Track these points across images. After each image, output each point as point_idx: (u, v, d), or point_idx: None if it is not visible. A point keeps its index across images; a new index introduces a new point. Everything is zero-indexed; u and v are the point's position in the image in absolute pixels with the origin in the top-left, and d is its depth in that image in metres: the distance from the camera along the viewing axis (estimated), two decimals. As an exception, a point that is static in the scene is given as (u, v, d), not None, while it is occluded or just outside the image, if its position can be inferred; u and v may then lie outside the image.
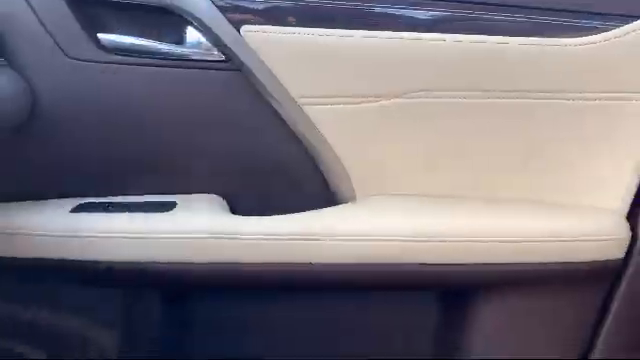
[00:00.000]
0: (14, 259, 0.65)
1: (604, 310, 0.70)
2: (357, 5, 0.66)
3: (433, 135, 0.69)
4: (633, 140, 0.67)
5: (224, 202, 0.71)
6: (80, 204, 0.67)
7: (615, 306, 0.70)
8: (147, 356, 0.74)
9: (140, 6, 0.66)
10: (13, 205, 0.67)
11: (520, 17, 0.66)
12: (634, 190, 0.69)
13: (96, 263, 0.64)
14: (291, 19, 0.66)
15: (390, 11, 0.67)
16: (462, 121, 0.68)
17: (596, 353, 0.71)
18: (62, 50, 0.65)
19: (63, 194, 0.68)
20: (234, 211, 0.70)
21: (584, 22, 0.66)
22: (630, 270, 0.68)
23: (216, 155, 0.70)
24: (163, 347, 0.76)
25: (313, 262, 0.65)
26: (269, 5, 0.67)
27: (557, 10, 0.66)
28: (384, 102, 0.68)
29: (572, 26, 0.66)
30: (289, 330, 0.75)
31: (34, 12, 0.64)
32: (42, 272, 0.66)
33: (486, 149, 0.69)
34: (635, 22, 0.64)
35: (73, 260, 0.64)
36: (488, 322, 0.71)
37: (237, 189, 0.72)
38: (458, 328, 0.73)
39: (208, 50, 0.67)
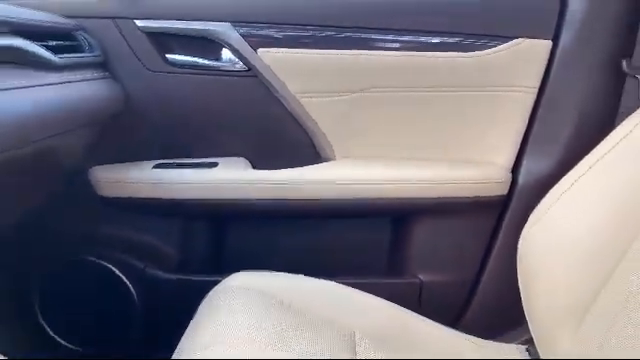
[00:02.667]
0: (118, 198, 1.04)
1: (495, 234, 1.07)
2: (333, 33, 1.01)
3: (384, 116, 1.05)
4: (511, 117, 1.03)
5: (248, 162, 1.08)
6: (158, 163, 1.05)
7: (502, 231, 1.06)
8: (196, 262, 1.12)
9: (191, 36, 1.01)
10: (117, 165, 1.05)
11: (437, 38, 1.01)
12: (516, 150, 1.05)
13: (171, 200, 1.02)
14: (290, 43, 1.01)
15: (355, 36, 1.02)
16: (401, 106, 1.04)
17: (487, 270, 1.07)
18: (143, 65, 1.02)
19: (146, 157, 1.06)
20: (254, 167, 1.07)
21: (479, 42, 1.00)
22: (512, 204, 1.05)
23: (242, 132, 1.07)
24: (205, 260, 1.14)
25: (304, 199, 1.03)
26: (274, 35, 1.02)
27: (463, 33, 1.01)
28: (352, 95, 1.04)
29: (471, 44, 1.01)
30: (289, 244, 1.12)
31: (127, 42, 1.00)
32: (137, 207, 1.05)
33: (416, 125, 1.05)
34: (509, 42, 0.99)
35: (157, 198, 1.02)
36: (418, 237, 1.09)
37: (256, 154, 1.09)
38: (402, 240, 1.11)
39: (235, 64, 1.02)
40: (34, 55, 0.80)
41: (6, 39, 0.76)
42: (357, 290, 0.85)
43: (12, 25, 0.79)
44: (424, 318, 0.85)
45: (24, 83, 0.75)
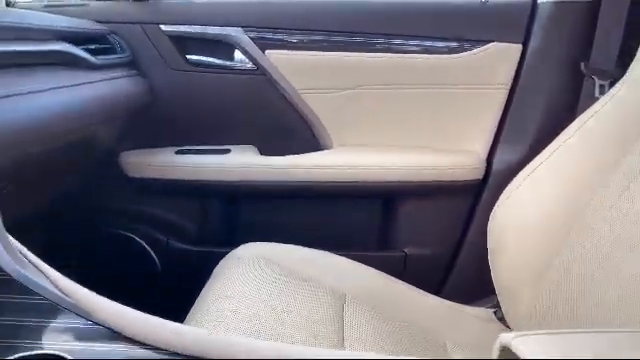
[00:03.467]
0: (144, 179, 1.20)
1: (471, 214, 1.22)
2: (331, 38, 1.16)
3: (375, 110, 1.20)
4: (486, 111, 1.17)
5: (256, 149, 1.24)
6: (179, 149, 1.21)
7: (478, 210, 1.21)
8: (211, 235, 1.28)
9: (208, 39, 1.17)
10: (143, 150, 1.21)
11: (421, 42, 1.15)
12: (490, 140, 1.19)
13: (190, 181, 1.18)
14: (293, 46, 1.16)
15: (350, 40, 1.17)
16: (389, 101, 1.19)
17: (464, 245, 1.22)
18: (167, 64, 1.17)
19: (169, 144, 1.22)
20: (262, 153, 1.23)
21: (458, 45, 1.15)
22: (486, 187, 1.19)
23: (251, 123, 1.22)
24: (219, 233, 1.30)
25: (305, 181, 1.18)
26: (280, 39, 1.17)
27: (444, 38, 1.15)
28: (348, 91, 1.19)
29: (451, 48, 1.15)
30: (291, 220, 1.26)
31: (153, 44, 1.16)
32: (160, 187, 1.21)
33: (403, 118, 1.20)
34: (485, 45, 1.13)
35: (178, 180, 1.18)
36: (404, 216, 1.24)
37: (263, 141, 1.24)
38: (389, 218, 1.26)
39: (246, 64, 1.18)
40: (77, 57, 0.96)
41: (53, 44, 0.92)
42: (349, 260, 1.00)
43: (58, 32, 0.95)
44: (408, 285, 1.00)
45: (72, 82, 0.91)
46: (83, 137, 1.00)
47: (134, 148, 1.22)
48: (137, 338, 0.49)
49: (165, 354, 0.48)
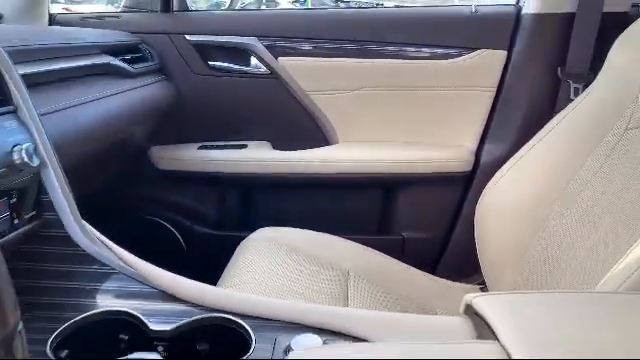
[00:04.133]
0: (171, 171, 1.36)
1: (461, 201, 1.36)
2: (337, 45, 1.31)
3: (376, 109, 1.34)
4: (475, 110, 1.31)
5: (270, 144, 1.39)
6: (201, 145, 1.36)
7: (467, 199, 1.35)
8: (230, 221, 1.43)
9: (227, 47, 1.32)
10: (170, 145, 1.37)
11: (417, 49, 1.29)
12: (479, 136, 1.33)
13: (211, 173, 1.34)
14: (303, 52, 1.31)
15: (354, 47, 1.31)
16: (389, 102, 1.33)
17: (456, 229, 1.36)
18: (191, 69, 1.32)
19: (193, 140, 1.38)
20: (274, 148, 1.38)
21: (451, 52, 1.29)
22: (475, 178, 1.33)
23: (265, 121, 1.37)
24: (237, 219, 1.46)
25: (314, 173, 1.33)
26: (291, 47, 1.31)
27: (438, 45, 1.29)
28: (351, 93, 1.33)
29: (445, 54, 1.29)
30: (301, 208, 1.41)
31: (178, 52, 1.31)
32: (185, 178, 1.37)
33: (401, 116, 1.34)
34: (474, 52, 1.27)
35: (200, 172, 1.34)
36: (402, 204, 1.38)
37: (276, 138, 1.39)
38: (389, 205, 1.41)
39: (260, 69, 1.32)
40: (117, 68, 1.12)
41: (101, 58, 1.07)
42: (353, 242, 1.15)
43: (103, 47, 1.10)
44: (406, 264, 1.15)
45: (113, 90, 1.07)
46: (121, 137, 1.16)
47: (162, 144, 1.37)
48: (185, 298, 0.65)
49: (205, 310, 0.64)
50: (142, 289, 0.67)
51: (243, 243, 1.11)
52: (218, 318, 0.62)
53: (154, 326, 0.60)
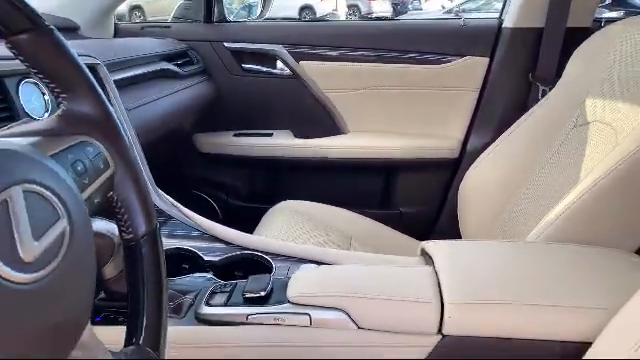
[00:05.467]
0: (211, 154, 1.66)
1: (450, 182, 1.63)
2: (347, 52, 1.58)
3: (380, 105, 1.62)
4: (462, 108, 1.58)
5: (292, 133, 1.68)
6: (236, 132, 1.67)
7: (455, 180, 1.61)
8: (258, 195, 1.73)
9: (258, 53, 1.61)
10: (211, 133, 1.67)
11: (415, 56, 1.56)
12: (465, 129, 1.60)
13: (244, 156, 1.64)
14: (320, 58, 1.59)
15: (361, 54, 1.58)
16: (391, 99, 1.60)
17: (445, 206, 1.63)
18: (228, 71, 1.62)
19: (229, 128, 1.68)
20: (295, 136, 1.67)
21: (442, 58, 1.55)
22: (462, 163, 1.60)
23: (288, 113, 1.66)
24: (264, 194, 1.75)
25: (327, 157, 1.62)
26: (310, 53, 1.59)
27: (432, 52, 1.55)
28: (359, 91, 1.61)
29: (437, 59, 1.55)
30: (316, 186, 1.70)
31: (218, 56, 1.60)
32: (222, 160, 1.67)
33: (401, 111, 1.61)
34: (462, 58, 1.53)
35: (235, 155, 1.64)
36: (400, 183, 1.66)
37: (297, 127, 1.68)
38: (389, 185, 1.69)
39: (284, 71, 1.61)
40: (173, 72, 1.42)
41: (160, 64, 1.38)
42: (358, 214, 1.43)
43: (161, 55, 1.41)
44: (402, 234, 1.42)
45: (170, 90, 1.37)
46: (173, 127, 1.47)
47: (204, 131, 1.68)
48: (228, 241, 0.94)
49: (240, 249, 0.93)
50: (198, 234, 0.97)
51: (268, 213, 1.40)
52: (250, 254, 0.92)
53: (207, 257, 0.90)
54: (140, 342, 0.49)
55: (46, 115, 0.82)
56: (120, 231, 0.52)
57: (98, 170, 0.47)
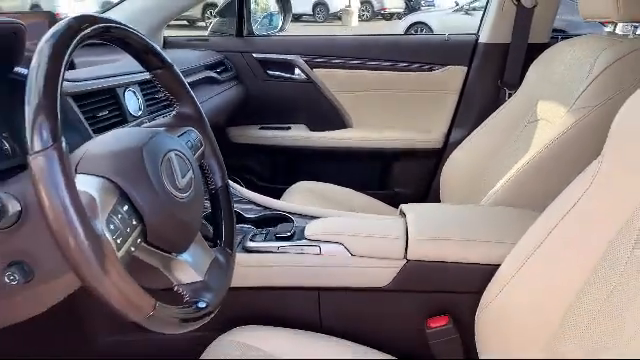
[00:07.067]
0: (240, 144, 2.04)
1: (435, 169, 1.98)
2: (351, 61, 1.95)
3: (378, 104, 1.98)
4: (445, 107, 1.93)
5: (306, 127, 2.05)
6: (261, 126, 2.04)
7: (439, 167, 1.96)
8: (279, 178, 2.11)
9: (280, 62, 1.98)
10: (241, 126, 2.05)
11: (405, 64, 1.92)
12: (448, 124, 1.95)
13: (266, 146, 2.02)
14: (330, 65, 1.95)
15: (362, 62, 1.95)
16: (386, 100, 1.97)
17: (432, 188, 1.99)
18: (256, 76, 2.00)
19: (254, 123, 2.05)
20: (309, 130, 2.04)
21: (428, 66, 1.91)
22: (445, 153, 1.95)
23: (304, 110, 2.03)
24: (283, 176, 2.12)
25: (335, 147, 1.99)
26: (322, 62, 1.96)
27: (420, 62, 1.91)
28: (361, 93, 1.98)
29: (424, 67, 1.91)
30: (325, 171, 2.06)
31: (247, 65, 1.98)
32: (249, 149, 2.04)
33: (394, 110, 1.97)
34: (445, 67, 1.89)
35: (260, 144, 2.02)
36: (394, 170, 2.02)
37: (311, 122, 2.05)
38: (385, 171, 2.05)
39: (301, 76, 1.98)
40: (214, 78, 1.79)
41: (206, 72, 1.75)
42: (362, 193, 1.80)
43: (205, 65, 1.78)
44: (396, 209, 1.78)
45: (212, 94, 1.74)
46: (213, 123, 1.84)
47: (235, 125, 2.05)
48: (261, 204, 1.31)
49: (270, 210, 1.29)
50: (240, 199, 1.34)
51: (287, 191, 1.76)
52: (277, 213, 1.29)
53: (246, 215, 1.27)
54: (222, 244, 0.87)
55: (140, 113, 1.20)
56: (207, 184, 0.89)
57: (197, 147, 0.85)
